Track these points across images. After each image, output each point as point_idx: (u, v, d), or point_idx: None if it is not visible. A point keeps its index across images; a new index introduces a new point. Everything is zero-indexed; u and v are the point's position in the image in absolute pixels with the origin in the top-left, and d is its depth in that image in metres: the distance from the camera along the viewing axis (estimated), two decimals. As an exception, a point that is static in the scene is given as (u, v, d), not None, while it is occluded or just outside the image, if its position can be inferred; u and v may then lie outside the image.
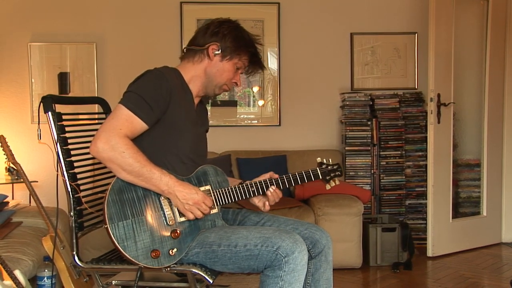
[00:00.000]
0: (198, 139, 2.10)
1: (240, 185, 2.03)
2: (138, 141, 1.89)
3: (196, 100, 2.12)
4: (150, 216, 1.85)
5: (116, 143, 1.79)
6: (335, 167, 2.12)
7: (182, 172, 1.97)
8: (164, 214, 1.88)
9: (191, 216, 1.88)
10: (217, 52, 2.03)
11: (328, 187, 2.12)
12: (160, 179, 1.84)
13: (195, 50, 2.07)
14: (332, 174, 2.11)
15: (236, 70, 2.10)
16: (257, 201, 2.12)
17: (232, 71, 2.08)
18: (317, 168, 2.10)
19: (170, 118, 1.94)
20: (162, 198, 1.89)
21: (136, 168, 1.80)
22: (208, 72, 2.06)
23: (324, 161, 2.12)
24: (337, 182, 2.12)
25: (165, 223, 1.87)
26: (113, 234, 1.78)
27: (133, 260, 1.79)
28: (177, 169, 1.96)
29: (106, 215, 1.79)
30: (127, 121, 1.83)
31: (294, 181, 2.06)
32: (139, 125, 1.86)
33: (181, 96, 1.99)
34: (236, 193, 2.02)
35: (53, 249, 2.64)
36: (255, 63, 2.14)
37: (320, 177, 2.09)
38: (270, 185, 2.05)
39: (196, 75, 2.07)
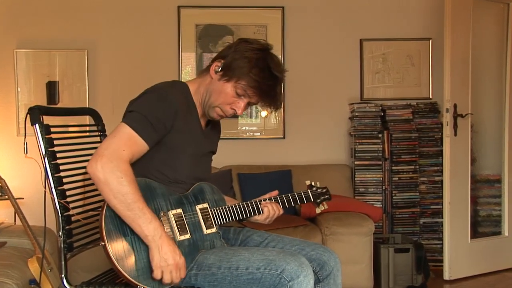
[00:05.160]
0: (199, 163, 2.11)
1: (237, 204, 2.10)
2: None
3: (203, 120, 2.13)
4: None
5: (116, 166, 1.77)
6: (324, 190, 2.26)
7: (177, 190, 2.00)
8: (164, 232, 1.88)
9: (159, 276, 1.80)
10: (217, 69, 2.02)
11: (318, 210, 2.25)
12: (149, 222, 1.78)
13: (207, 65, 2.11)
14: (322, 197, 2.24)
15: (236, 95, 2.00)
16: (260, 218, 2.17)
17: (229, 94, 2.00)
18: (308, 191, 2.22)
19: (170, 141, 1.96)
20: (162, 215, 1.90)
21: (128, 200, 1.76)
22: (208, 89, 2.05)
23: (313, 183, 2.26)
24: (326, 206, 2.25)
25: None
26: (111, 252, 1.77)
27: (133, 280, 1.78)
28: (172, 187, 1.99)
29: (103, 231, 1.78)
30: (130, 141, 1.84)
31: (287, 202, 2.18)
32: (142, 146, 1.87)
33: (186, 117, 2.00)
34: (233, 212, 2.08)
35: (40, 272, 2.64)
36: (261, 96, 2.00)
37: (312, 199, 2.22)
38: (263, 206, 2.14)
39: (198, 91, 2.08)
